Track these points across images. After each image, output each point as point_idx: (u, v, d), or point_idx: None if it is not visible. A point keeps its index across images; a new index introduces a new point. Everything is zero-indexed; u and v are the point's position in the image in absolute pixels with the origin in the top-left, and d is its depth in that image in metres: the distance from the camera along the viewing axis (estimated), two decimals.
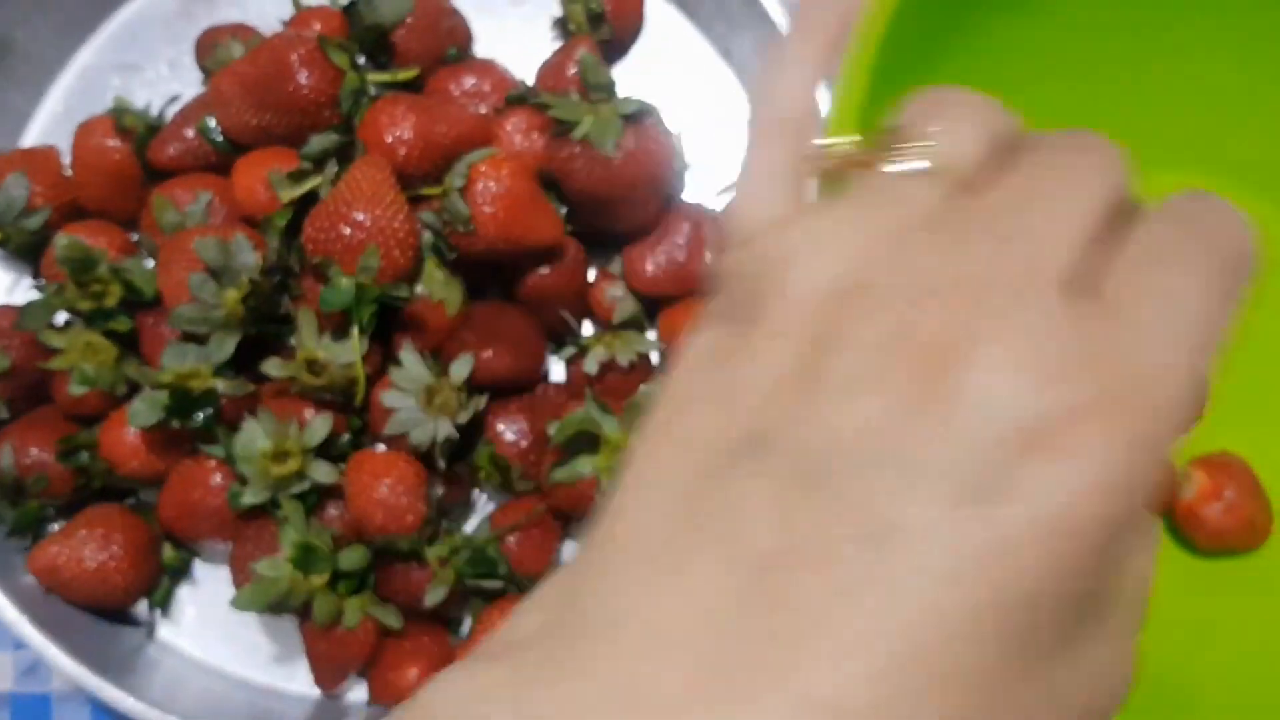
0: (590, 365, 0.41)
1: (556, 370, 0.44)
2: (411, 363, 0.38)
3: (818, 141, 0.19)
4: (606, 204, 0.40)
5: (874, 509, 0.14)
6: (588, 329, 0.44)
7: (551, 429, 0.39)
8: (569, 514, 0.41)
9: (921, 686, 0.13)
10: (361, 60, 0.44)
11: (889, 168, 0.17)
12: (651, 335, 0.43)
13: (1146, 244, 0.16)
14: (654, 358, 0.43)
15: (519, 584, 0.41)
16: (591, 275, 0.43)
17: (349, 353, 0.38)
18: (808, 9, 0.21)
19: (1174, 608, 0.41)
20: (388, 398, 0.38)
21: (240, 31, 0.43)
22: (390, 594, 0.40)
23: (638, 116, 0.39)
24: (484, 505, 0.43)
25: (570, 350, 0.42)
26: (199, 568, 0.43)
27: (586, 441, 0.39)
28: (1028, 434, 0.14)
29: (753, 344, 0.16)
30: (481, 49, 0.45)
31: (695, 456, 0.16)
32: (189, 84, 0.45)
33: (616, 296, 0.42)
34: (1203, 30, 0.40)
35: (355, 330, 0.38)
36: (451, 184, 0.39)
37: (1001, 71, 0.39)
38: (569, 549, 0.43)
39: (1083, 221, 0.16)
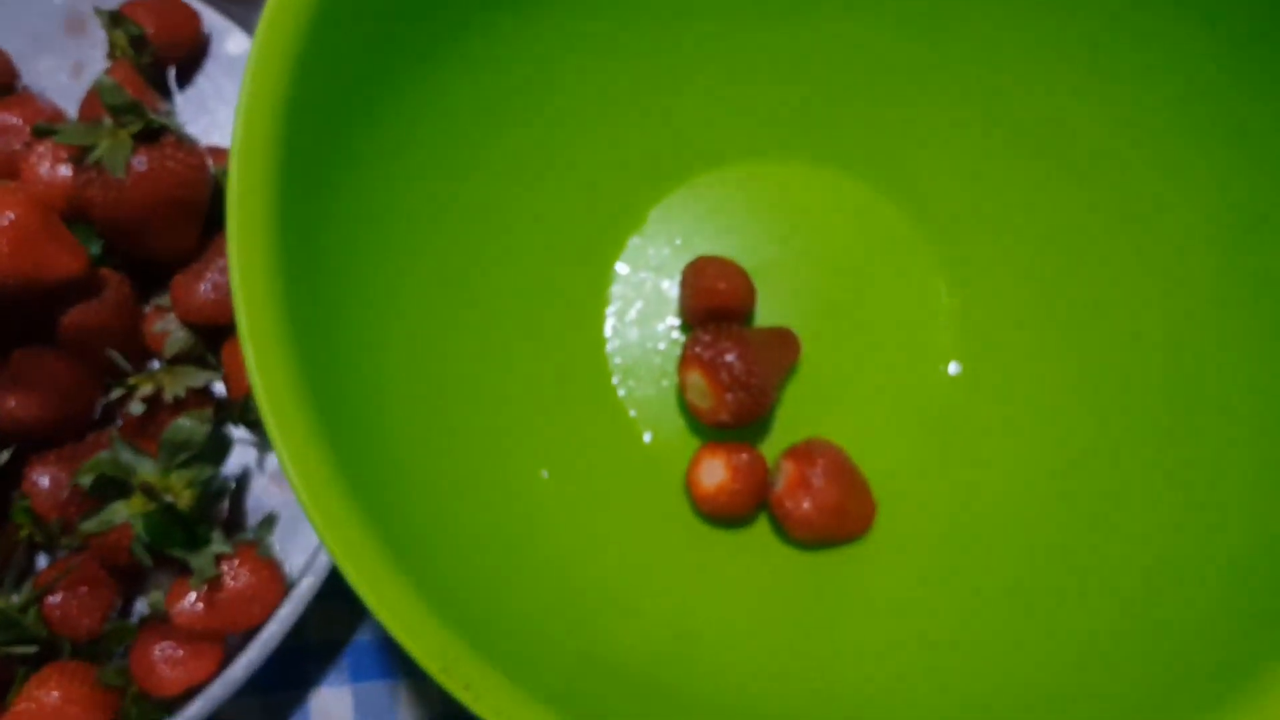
0: (134, 405, 0.38)
1: None
2: None
3: None
4: (132, 230, 0.38)
5: None
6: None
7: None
8: (119, 567, 0.38)
9: None
10: None
11: None
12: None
13: None
14: (218, 389, 0.41)
15: (67, 648, 0.37)
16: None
17: None
18: None
19: (777, 605, 0.39)
20: None
21: None
22: None
23: (154, 135, 0.37)
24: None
25: (120, 391, 0.39)
26: None
27: (118, 487, 0.36)
28: None
29: None
30: (41, 83, 0.43)
31: None
32: None
33: (167, 329, 0.39)
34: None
35: None
36: None
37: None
38: (141, 605, 0.40)
39: None
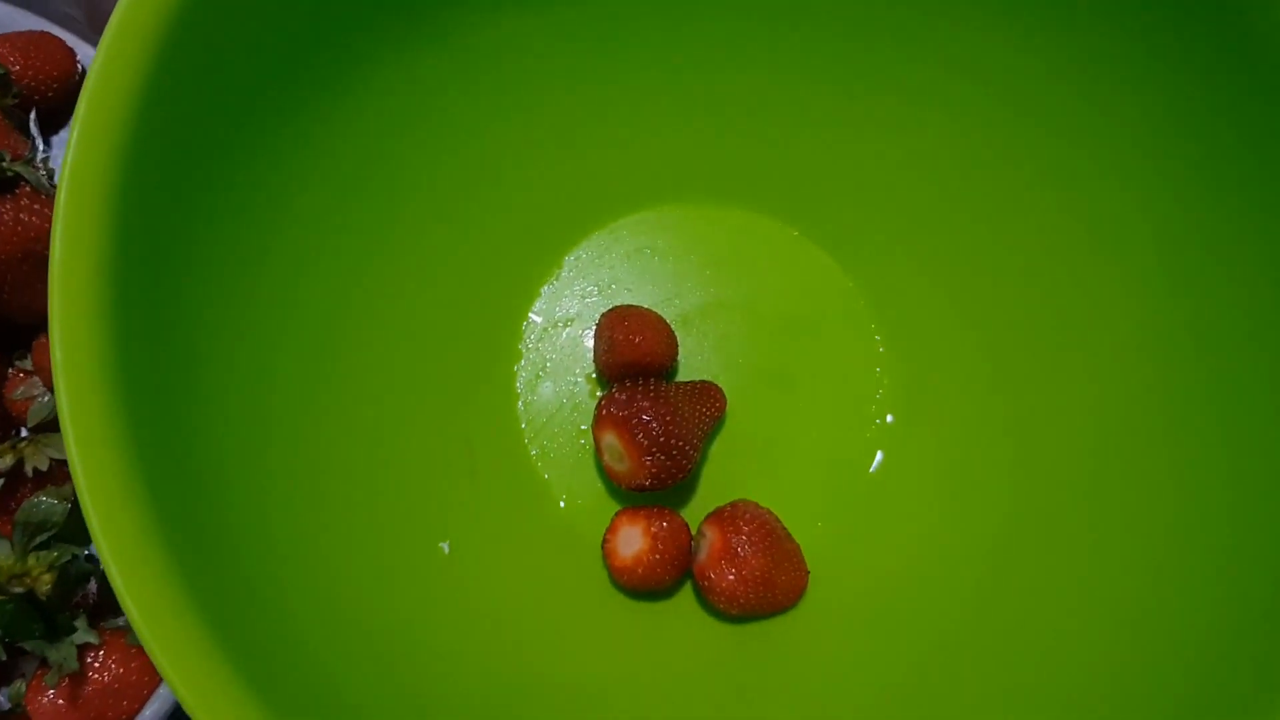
0: None
1: None
2: None
3: None
4: None
5: None
6: None
7: None
8: None
9: None
10: None
11: None
12: None
13: None
14: None
15: None
16: None
17: None
18: None
19: (702, 687, 0.35)
20: None
21: None
22: None
23: (8, 186, 0.34)
24: None
25: None
26: None
27: None
28: None
29: None
30: None
31: None
32: None
33: (30, 395, 0.36)
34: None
35: None
36: None
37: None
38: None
39: None
